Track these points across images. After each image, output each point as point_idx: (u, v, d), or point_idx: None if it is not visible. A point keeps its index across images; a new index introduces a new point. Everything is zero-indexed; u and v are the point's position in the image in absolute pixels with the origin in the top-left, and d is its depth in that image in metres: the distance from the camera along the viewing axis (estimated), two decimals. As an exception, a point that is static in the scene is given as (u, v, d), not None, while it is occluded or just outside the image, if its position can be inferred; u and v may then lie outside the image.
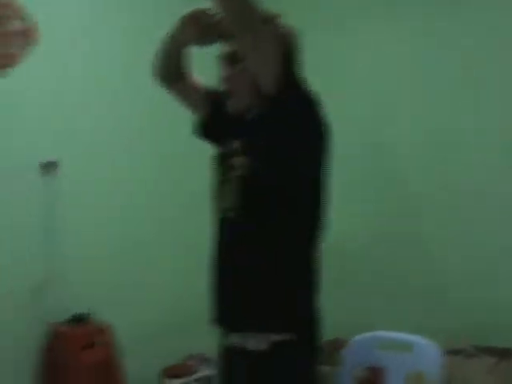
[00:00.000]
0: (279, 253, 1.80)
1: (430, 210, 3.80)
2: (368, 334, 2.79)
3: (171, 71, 2.03)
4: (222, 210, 1.90)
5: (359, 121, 4.00)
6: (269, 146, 1.79)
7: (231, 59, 1.87)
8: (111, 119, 3.66)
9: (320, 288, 1.89)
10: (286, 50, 1.81)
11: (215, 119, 2.02)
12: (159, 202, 3.86)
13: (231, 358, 1.90)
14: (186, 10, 1.91)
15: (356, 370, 2.80)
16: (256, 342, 1.78)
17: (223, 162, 1.92)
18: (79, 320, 3.34)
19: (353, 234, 3.99)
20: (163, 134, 3.85)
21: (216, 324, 1.92)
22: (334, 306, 3.87)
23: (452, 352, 3.21)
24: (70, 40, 3.46)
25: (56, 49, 3.36)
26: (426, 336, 2.64)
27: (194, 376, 3.68)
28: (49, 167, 3.32)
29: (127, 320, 3.52)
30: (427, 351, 2.60)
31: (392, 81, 3.90)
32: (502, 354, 3.38)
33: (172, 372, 3.71)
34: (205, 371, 3.69)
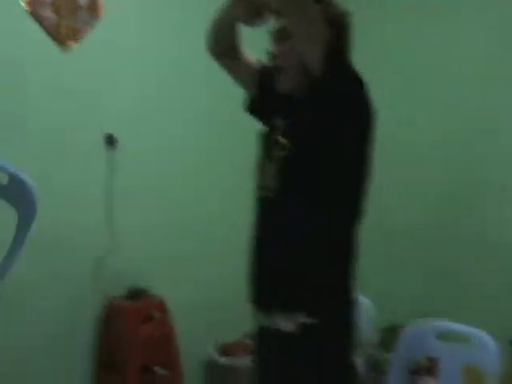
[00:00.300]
0: (316, 235, 1.78)
1: (493, 198, 3.63)
2: (424, 323, 2.71)
3: (223, 46, 2.01)
4: (262, 189, 1.87)
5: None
6: (314, 126, 1.76)
7: (280, 36, 1.84)
8: (168, 97, 3.67)
9: (356, 273, 1.84)
10: (337, 31, 1.78)
11: (265, 96, 1.99)
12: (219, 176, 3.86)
13: (263, 338, 1.90)
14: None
15: (411, 358, 2.72)
16: (285, 323, 1.77)
17: (268, 140, 1.90)
18: (137, 294, 3.38)
19: (413, 218, 3.88)
20: (219, 108, 3.80)
21: (251, 303, 1.91)
22: (395, 292, 3.85)
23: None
24: (134, 17, 3.49)
25: (120, 25, 3.40)
26: (489, 328, 2.53)
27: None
28: (109, 141, 3.38)
29: (184, 295, 3.56)
30: (486, 345, 2.49)
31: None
32: None
33: (228, 349, 3.73)
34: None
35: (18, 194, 2.12)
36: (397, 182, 3.88)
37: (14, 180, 2.10)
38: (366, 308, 3.04)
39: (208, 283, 3.73)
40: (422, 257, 3.87)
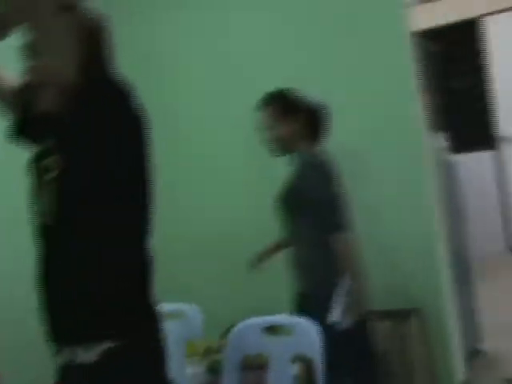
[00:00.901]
0: (100, 257, 1.67)
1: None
2: (249, 320, 2.69)
3: None
4: (39, 216, 1.74)
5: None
6: (79, 144, 1.65)
7: (31, 51, 1.70)
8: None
9: (152, 285, 1.75)
10: (91, 39, 1.68)
11: (29, 118, 1.82)
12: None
13: (69, 375, 1.74)
14: None
15: (241, 356, 2.69)
16: (86, 354, 1.65)
17: (38, 164, 1.76)
18: None
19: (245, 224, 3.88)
20: None
21: (49, 341, 1.76)
22: (227, 296, 3.81)
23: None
24: None
25: None
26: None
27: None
28: None
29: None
30: (308, 332, 2.51)
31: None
32: (399, 315, 3.39)
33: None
34: None
35: None
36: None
37: None
38: (196, 315, 3.00)
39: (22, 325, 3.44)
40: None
